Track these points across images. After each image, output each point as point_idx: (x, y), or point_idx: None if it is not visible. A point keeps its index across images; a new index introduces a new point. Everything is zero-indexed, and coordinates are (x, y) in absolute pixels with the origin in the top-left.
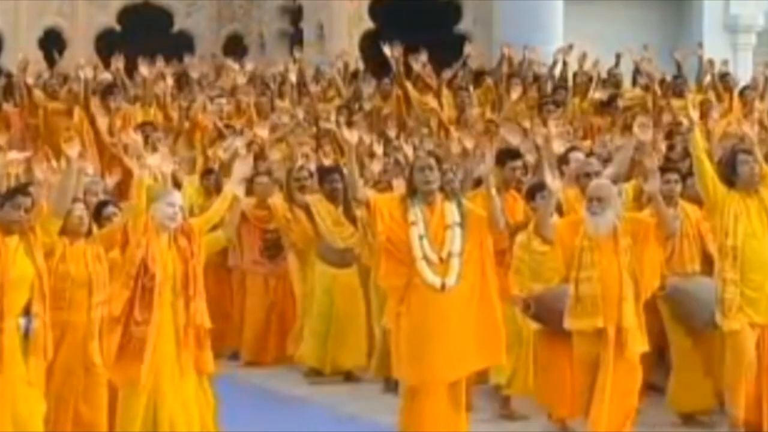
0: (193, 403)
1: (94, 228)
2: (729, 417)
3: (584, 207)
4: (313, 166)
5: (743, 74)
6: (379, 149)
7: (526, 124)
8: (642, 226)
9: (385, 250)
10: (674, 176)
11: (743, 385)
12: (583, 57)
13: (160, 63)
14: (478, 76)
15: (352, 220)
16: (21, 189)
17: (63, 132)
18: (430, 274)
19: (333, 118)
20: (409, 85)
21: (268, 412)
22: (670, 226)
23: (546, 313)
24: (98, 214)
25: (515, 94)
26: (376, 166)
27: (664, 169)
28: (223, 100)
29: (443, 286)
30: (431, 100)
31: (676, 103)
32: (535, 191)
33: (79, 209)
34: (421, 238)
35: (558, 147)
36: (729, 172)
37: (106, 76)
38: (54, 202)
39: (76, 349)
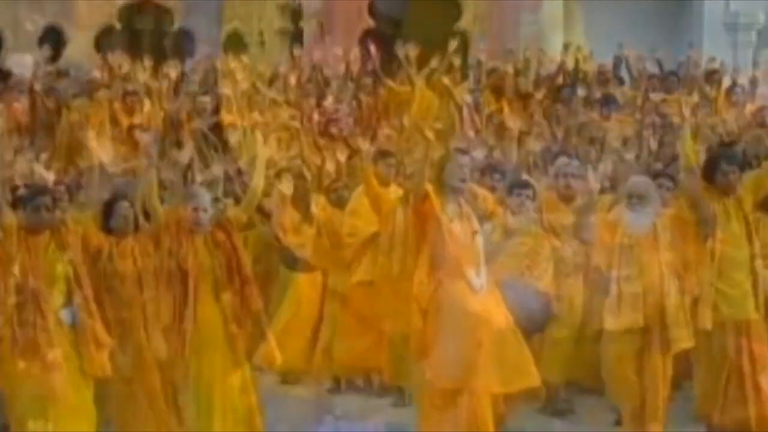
0: (241, 395)
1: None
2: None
3: (623, 205)
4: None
5: (743, 73)
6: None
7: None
8: (681, 223)
9: (428, 255)
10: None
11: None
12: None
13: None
14: (490, 74)
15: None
16: (39, 190)
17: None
18: (473, 275)
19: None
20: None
21: (268, 412)
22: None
23: None
24: None
25: (539, 94)
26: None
27: (656, 174)
28: (207, 98)
29: (480, 287)
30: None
31: (656, 97)
32: (513, 188)
33: (124, 208)
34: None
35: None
36: (709, 172)
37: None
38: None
39: (135, 345)
